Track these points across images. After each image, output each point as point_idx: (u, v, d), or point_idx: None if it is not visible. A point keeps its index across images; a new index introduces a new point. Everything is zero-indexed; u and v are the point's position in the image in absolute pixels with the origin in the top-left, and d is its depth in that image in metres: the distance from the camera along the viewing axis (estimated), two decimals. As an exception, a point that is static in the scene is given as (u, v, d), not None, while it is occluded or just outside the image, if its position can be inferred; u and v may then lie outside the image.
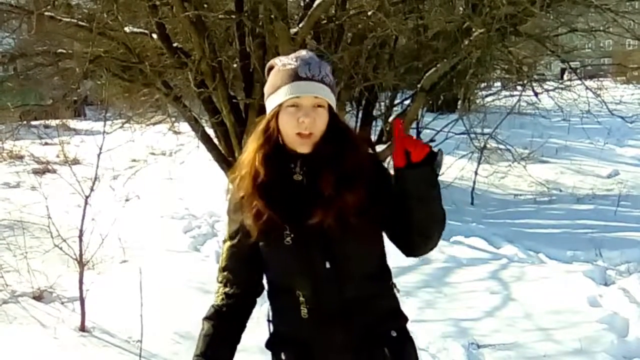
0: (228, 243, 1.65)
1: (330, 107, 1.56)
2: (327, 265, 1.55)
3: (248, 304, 1.67)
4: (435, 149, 1.50)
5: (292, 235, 1.54)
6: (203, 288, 4.39)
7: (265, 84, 1.62)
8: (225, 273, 1.65)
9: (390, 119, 7.29)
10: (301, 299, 1.56)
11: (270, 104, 1.57)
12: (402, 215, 1.54)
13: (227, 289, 1.64)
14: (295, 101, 1.52)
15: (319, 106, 1.54)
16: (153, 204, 6.67)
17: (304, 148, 1.55)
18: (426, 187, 1.50)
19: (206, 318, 1.66)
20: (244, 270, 1.63)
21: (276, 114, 1.55)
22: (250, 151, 1.59)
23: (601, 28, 7.61)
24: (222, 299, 1.64)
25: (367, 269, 1.62)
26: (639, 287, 4.31)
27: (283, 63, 1.57)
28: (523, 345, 3.59)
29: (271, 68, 1.62)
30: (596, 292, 4.29)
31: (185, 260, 5.08)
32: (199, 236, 5.67)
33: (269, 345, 1.69)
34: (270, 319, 1.68)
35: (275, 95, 1.55)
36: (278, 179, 1.56)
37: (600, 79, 13.25)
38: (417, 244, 1.61)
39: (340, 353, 1.58)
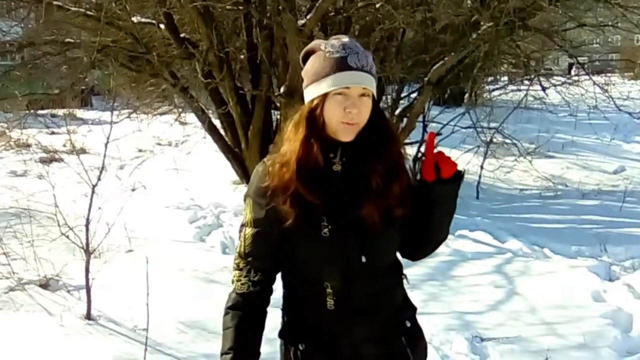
0: (252, 229, 1.57)
1: (373, 96, 1.54)
2: (363, 259, 1.54)
3: (270, 292, 1.62)
4: (460, 168, 1.55)
5: (329, 227, 1.51)
6: (208, 278, 4.41)
7: (306, 69, 1.57)
8: (249, 259, 1.57)
9: (397, 111, 7.27)
10: (328, 290, 1.54)
11: (315, 91, 1.52)
12: (419, 222, 1.58)
13: (252, 276, 1.57)
14: (343, 90, 1.49)
15: (365, 96, 1.51)
16: (159, 194, 6.69)
17: (348, 136, 1.52)
18: (451, 201, 1.58)
19: (232, 307, 1.58)
20: (269, 257, 1.58)
21: (322, 102, 1.51)
22: (294, 139, 1.54)
23: (610, 23, 7.57)
24: (248, 286, 1.57)
25: (391, 261, 1.63)
26: (643, 283, 4.30)
27: (329, 50, 1.52)
28: (527, 339, 3.59)
29: (311, 52, 1.57)
30: (600, 288, 4.29)
31: (190, 250, 5.10)
32: (205, 226, 5.68)
33: (284, 334, 1.65)
34: (285, 308, 1.66)
35: (322, 83, 1.51)
36: (320, 168, 1.53)
37: (608, 74, 13.18)
38: (426, 249, 1.68)
39: (364, 344, 1.58)
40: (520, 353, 3.46)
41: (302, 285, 1.60)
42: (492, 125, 7.41)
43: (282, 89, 6.50)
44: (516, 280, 4.55)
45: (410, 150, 7.44)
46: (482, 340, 3.63)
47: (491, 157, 7.44)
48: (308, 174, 1.51)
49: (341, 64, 1.50)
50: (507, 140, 7.37)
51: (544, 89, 7.18)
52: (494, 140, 7.31)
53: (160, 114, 8.10)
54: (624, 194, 7.03)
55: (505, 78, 10.55)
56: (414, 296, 4.42)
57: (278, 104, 6.83)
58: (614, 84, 9.51)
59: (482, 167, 7.16)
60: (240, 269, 1.59)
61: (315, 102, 1.52)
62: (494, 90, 9.86)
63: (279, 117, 6.95)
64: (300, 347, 1.59)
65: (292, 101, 6.41)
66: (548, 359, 3.32)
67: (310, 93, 1.54)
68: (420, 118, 7.12)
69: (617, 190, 7.57)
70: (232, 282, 1.61)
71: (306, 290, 1.59)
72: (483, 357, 3.45)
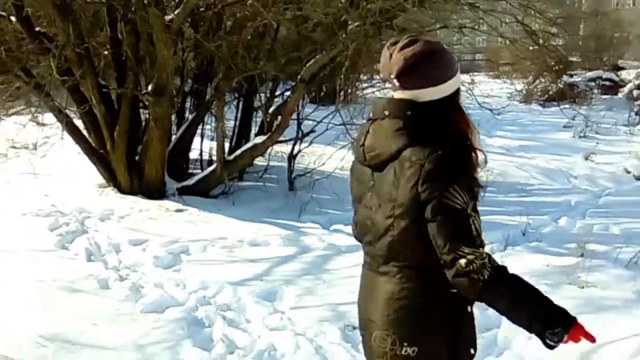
0: (475, 211, 1.72)
1: None
2: None
3: None
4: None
5: None
6: (70, 287, 4.23)
7: (450, 61, 1.81)
8: (482, 236, 1.73)
9: (271, 109, 7.35)
10: None
11: (458, 82, 1.83)
12: None
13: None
14: None
15: None
16: (14, 201, 6.28)
17: None
18: None
19: (509, 274, 1.71)
20: None
21: None
22: (470, 124, 1.83)
23: (473, 25, 8.15)
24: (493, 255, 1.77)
25: None
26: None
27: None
28: None
29: (440, 49, 1.80)
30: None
31: (51, 259, 4.83)
32: (67, 234, 5.42)
33: (459, 301, 1.79)
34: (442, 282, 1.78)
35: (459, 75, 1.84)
36: None
37: (475, 73, 14.17)
38: None
39: None
40: (391, 339, 3.66)
41: None
42: (365, 122, 7.69)
43: (149, 87, 6.35)
44: (388, 270, 4.78)
45: (285, 148, 7.57)
46: (354, 328, 3.77)
47: (365, 153, 7.70)
48: None
49: None
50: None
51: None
52: (367, 136, 7.58)
53: (14, 114, 7.59)
54: (485, 184, 7.59)
55: (379, 76, 10.97)
56: (290, 291, 4.51)
57: (146, 103, 6.67)
58: (477, 83, 10.24)
59: (355, 163, 7.42)
60: (483, 246, 1.72)
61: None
62: (367, 88, 10.24)
63: (147, 116, 6.78)
64: (469, 309, 1.84)
65: (161, 100, 6.30)
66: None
67: (456, 83, 1.82)
68: (295, 116, 7.26)
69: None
70: (483, 263, 1.68)
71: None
72: (355, 345, 3.57)
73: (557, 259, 4.69)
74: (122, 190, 6.67)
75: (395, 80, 1.76)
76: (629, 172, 8.92)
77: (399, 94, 1.79)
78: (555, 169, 8.93)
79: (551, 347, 1.69)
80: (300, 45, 7.41)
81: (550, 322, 1.66)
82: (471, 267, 1.66)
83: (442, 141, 1.71)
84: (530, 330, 1.69)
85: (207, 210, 6.37)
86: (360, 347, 3.54)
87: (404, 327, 1.78)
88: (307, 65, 6.57)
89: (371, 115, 1.84)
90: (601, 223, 6.05)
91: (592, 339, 1.68)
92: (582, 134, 11.55)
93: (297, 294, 4.29)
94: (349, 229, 5.75)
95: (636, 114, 13.10)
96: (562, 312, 1.68)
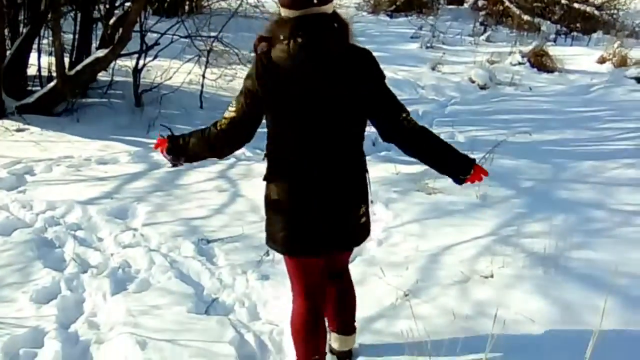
0: None
1: None
2: None
3: None
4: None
5: None
6: None
7: None
8: None
9: (111, 21, 7.10)
10: None
11: None
12: None
13: None
14: None
15: None
16: None
17: None
18: None
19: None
20: None
21: None
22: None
23: None
24: None
25: None
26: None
27: None
28: (249, 236, 4.07)
29: None
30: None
31: None
32: None
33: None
34: None
35: None
36: None
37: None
38: None
39: None
40: (243, 249, 3.94)
41: None
42: (212, 34, 7.68)
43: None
44: (239, 183, 5.05)
45: (130, 63, 7.41)
46: (209, 242, 4.04)
47: (212, 66, 7.75)
48: None
49: None
50: (228, 49, 7.71)
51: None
52: (215, 48, 7.61)
53: None
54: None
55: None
56: (142, 208, 4.69)
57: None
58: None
59: (204, 77, 7.46)
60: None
61: None
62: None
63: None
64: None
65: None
66: (268, 251, 3.76)
67: None
68: (137, 27, 7.08)
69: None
70: (413, 119, 2.40)
71: None
72: (209, 258, 3.87)
73: (406, 167, 4.94)
74: (-46, 111, 6.27)
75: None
76: (473, 82, 9.31)
77: (311, 10, 2.15)
78: (403, 80, 9.35)
79: (461, 182, 2.44)
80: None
81: (464, 165, 2.40)
82: (411, 124, 2.34)
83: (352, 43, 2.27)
84: (445, 172, 2.44)
85: (51, 129, 6.23)
86: (216, 259, 3.88)
87: (359, 194, 2.45)
88: (148, -28, 6.39)
89: (296, 31, 2.16)
90: (447, 131, 6.37)
91: (485, 173, 2.42)
92: (429, 45, 11.90)
93: (149, 211, 4.48)
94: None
95: (481, 24, 13.69)
96: (466, 156, 2.42)
